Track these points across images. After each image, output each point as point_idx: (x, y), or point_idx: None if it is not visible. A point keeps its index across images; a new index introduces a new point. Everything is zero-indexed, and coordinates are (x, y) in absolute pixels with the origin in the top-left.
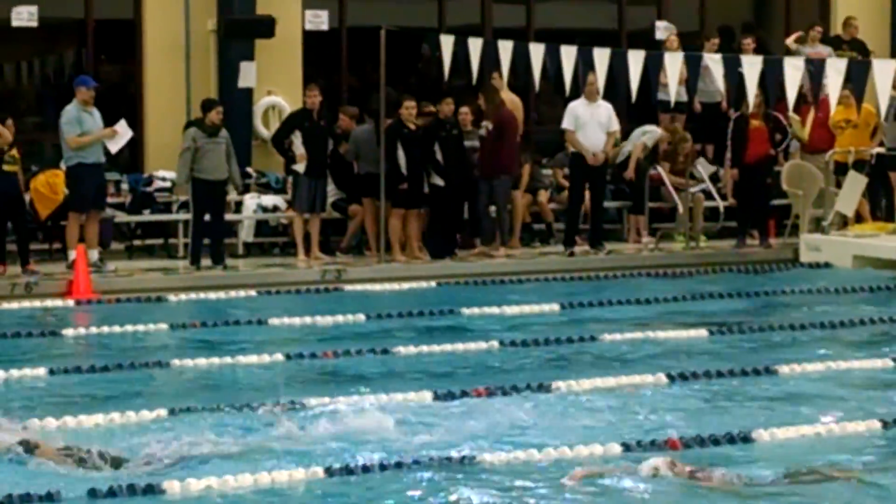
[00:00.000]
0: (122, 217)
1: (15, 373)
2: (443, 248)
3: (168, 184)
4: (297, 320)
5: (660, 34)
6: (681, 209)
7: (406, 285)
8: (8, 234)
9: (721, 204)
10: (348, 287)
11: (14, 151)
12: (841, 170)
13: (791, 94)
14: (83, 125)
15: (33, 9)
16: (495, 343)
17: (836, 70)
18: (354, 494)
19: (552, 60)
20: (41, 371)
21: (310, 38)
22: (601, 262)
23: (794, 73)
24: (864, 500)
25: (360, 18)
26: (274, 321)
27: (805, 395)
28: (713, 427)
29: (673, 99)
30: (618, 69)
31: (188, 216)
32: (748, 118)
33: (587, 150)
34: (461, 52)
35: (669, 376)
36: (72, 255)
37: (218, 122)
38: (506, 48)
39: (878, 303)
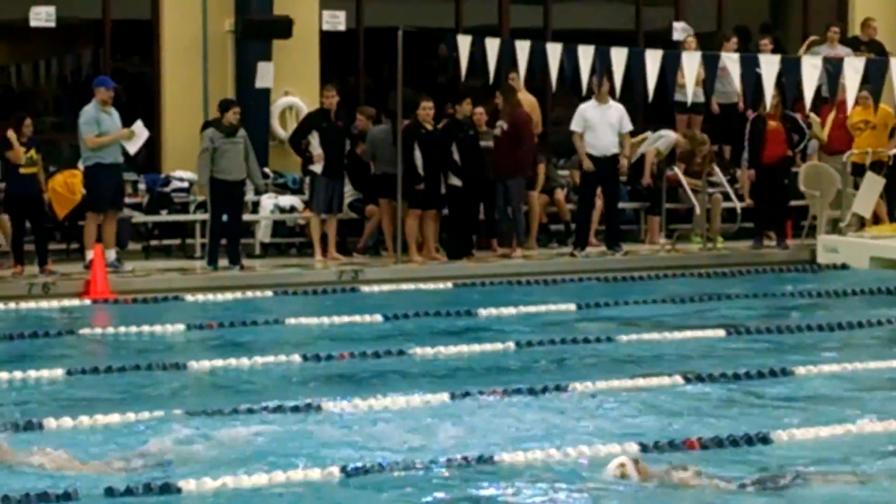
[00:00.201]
0: (139, 217)
1: (32, 373)
2: (459, 248)
3: (185, 184)
4: (313, 321)
5: (677, 35)
6: (698, 210)
7: (423, 286)
8: (26, 234)
9: (738, 205)
10: (365, 288)
11: (32, 153)
12: (858, 171)
13: (808, 95)
14: (101, 126)
15: (51, 9)
16: (511, 344)
17: (854, 69)
18: (370, 494)
19: (569, 61)
20: (59, 371)
21: (327, 38)
22: (617, 263)
23: (811, 72)
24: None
25: (377, 19)
26: (291, 321)
27: (822, 396)
28: (731, 428)
29: (690, 100)
30: (635, 70)
31: (205, 216)
32: (765, 119)
33: (585, 153)
34: (478, 53)
35: (686, 377)
36: (89, 255)
37: (235, 123)
38: (523, 48)
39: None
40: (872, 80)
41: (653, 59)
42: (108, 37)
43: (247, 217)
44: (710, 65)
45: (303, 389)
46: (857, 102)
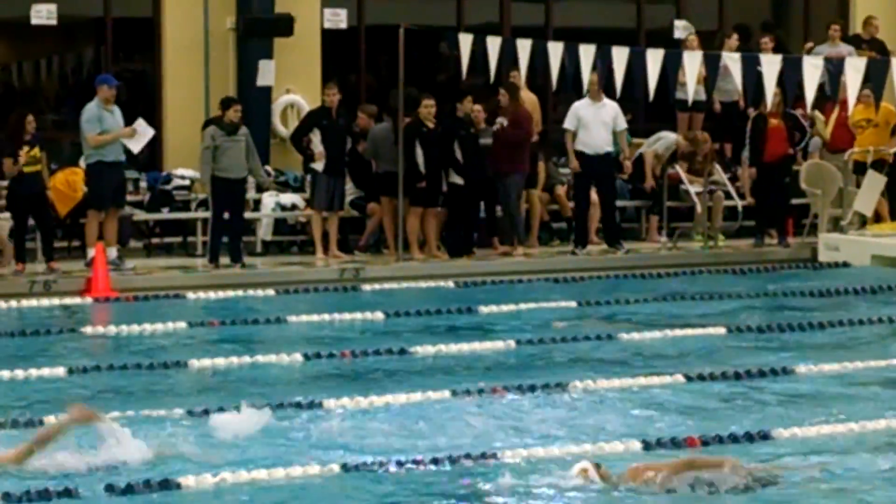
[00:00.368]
0: (140, 215)
1: (34, 371)
2: (460, 246)
3: (187, 182)
4: (315, 319)
5: (678, 33)
6: (699, 208)
7: (424, 284)
8: (28, 231)
9: (739, 203)
10: (366, 286)
11: (35, 151)
12: (860, 169)
13: (809, 95)
14: (103, 124)
15: (52, 7)
16: (512, 342)
17: (855, 69)
18: (370, 491)
19: (570, 59)
20: (60, 370)
21: (328, 36)
22: (619, 262)
23: (812, 72)
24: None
25: (378, 17)
26: (292, 319)
27: (823, 394)
28: (732, 426)
29: (691, 98)
30: (636, 69)
31: (207, 214)
32: (767, 117)
33: (579, 151)
34: (479, 51)
35: (687, 375)
36: (90, 253)
37: (236, 121)
38: (524, 47)
39: None
40: (874, 78)
41: (654, 59)
42: (110, 35)
43: (248, 215)
44: (712, 64)
45: (304, 387)
46: (858, 101)
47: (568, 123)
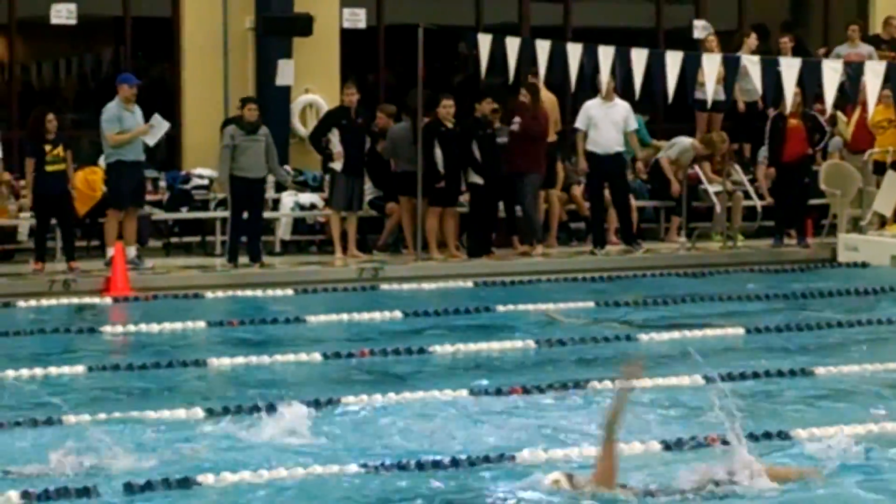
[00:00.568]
0: (159, 214)
1: (54, 370)
2: (479, 246)
3: (206, 181)
4: (333, 318)
5: (697, 33)
6: (718, 209)
7: (443, 284)
8: (49, 231)
9: (759, 203)
10: (385, 285)
11: (59, 150)
12: (880, 169)
13: (829, 98)
14: (123, 123)
15: (72, 6)
16: (531, 342)
17: (874, 72)
18: (389, 491)
19: (589, 60)
20: (79, 368)
21: (347, 35)
22: (637, 262)
23: (832, 76)
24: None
25: (397, 17)
26: (311, 319)
27: (843, 395)
28: (751, 426)
29: (710, 99)
30: (655, 69)
31: (226, 213)
32: (786, 117)
33: (589, 151)
34: (498, 51)
35: (706, 376)
36: (110, 252)
37: (252, 119)
38: (543, 47)
39: None
40: (894, 80)
41: (673, 60)
42: (129, 34)
43: (267, 214)
44: (731, 66)
45: (323, 386)
46: (878, 101)
47: (579, 123)
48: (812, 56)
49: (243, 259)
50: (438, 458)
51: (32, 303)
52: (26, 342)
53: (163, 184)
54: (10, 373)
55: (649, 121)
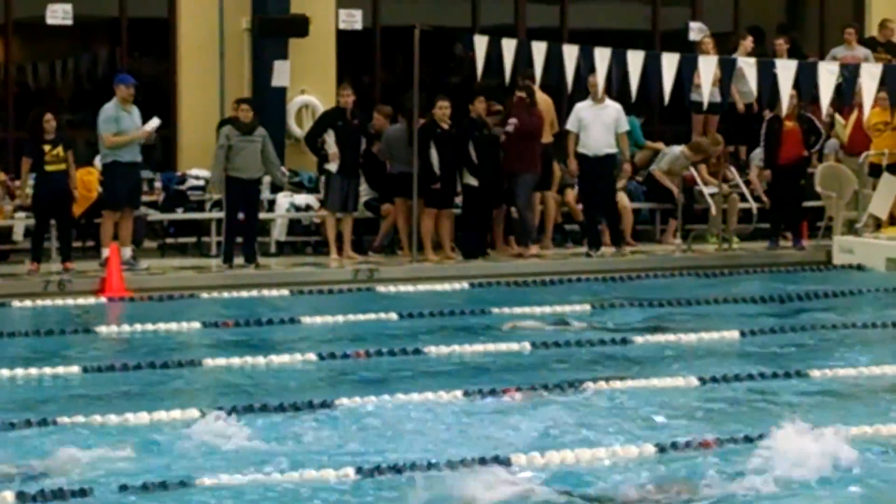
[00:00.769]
0: (155, 215)
1: (48, 370)
2: (475, 248)
3: (201, 182)
4: (329, 319)
5: (693, 35)
6: (713, 211)
7: (438, 285)
8: (47, 231)
9: (754, 206)
10: (380, 287)
11: (59, 150)
12: (875, 172)
13: (825, 100)
14: (120, 124)
15: (68, 7)
16: (527, 343)
17: (870, 75)
18: (385, 494)
19: (585, 61)
20: (74, 369)
21: (343, 37)
22: (633, 264)
23: (828, 78)
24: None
25: (393, 18)
26: (306, 320)
27: (837, 398)
28: (745, 429)
29: (706, 101)
30: (651, 71)
31: (221, 214)
32: (782, 119)
33: (579, 153)
34: (494, 53)
35: (701, 378)
36: (105, 252)
37: (247, 120)
38: (539, 49)
39: None
40: (890, 82)
41: (669, 62)
42: (125, 35)
43: (262, 215)
44: (727, 68)
45: (318, 388)
46: (874, 104)
47: (570, 125)
48: (807, 59)
49: (238, 260)
50: (434, 460)
51: (27, 303)
52: (21, 343)
53: (158, 184)
54: (5, 373)
55: (645, 122)
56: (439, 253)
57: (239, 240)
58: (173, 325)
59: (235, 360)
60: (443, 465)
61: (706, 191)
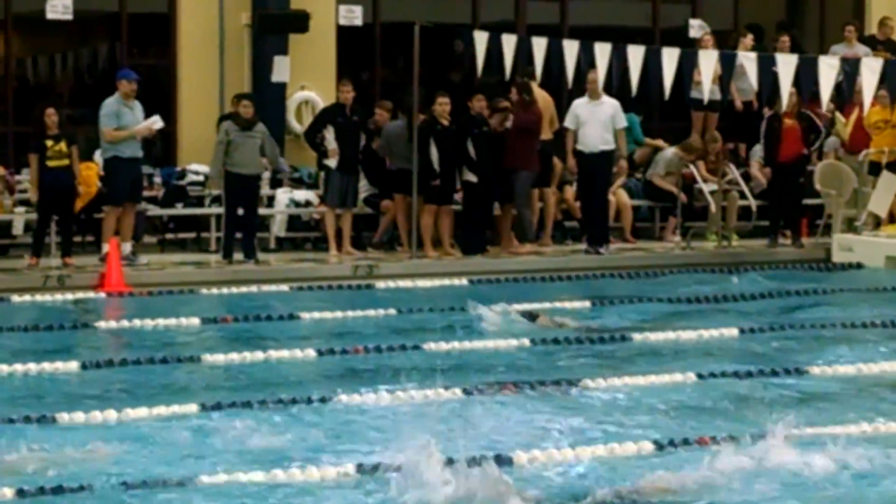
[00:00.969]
0: (154, 210)
1: (47, 366)
2: (474, 244)
3: (201, 177)
4: (328, 315)
5: (694, 32)
6: (713, 208)
7: (438, 281)
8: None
9: (753, 203)
10: (380, 283)
11: (62, 146)
12: (875, 170)
13: (825, 94)
14: (121, 119)
15: (68, 1)
16: (526, 340)
17: (870, 70)
18: (385, 491)
19: (586, 58)
20: (73, 364)
21: (343, 33)
22: (632, 261)
23: (828, 72)
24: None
25: (393, 14)
26: (305, 316)
27: (836, 395)
28: (744, 427)
29: (706, 97)
30: (652, 67)
31: (220, 210)
32: (782, 117)
33: (575, 150)
34: (494, 49)
35: (700, 375)
36: (105, 247)
37: (247, 116)
38: (539, 45)
39: None
40: (890, 80)
41: (670, 58)
42: (125, 30)
43: (262, 211)
44: (727, 63)
45: (317, 384)
46: (874, 102)
47: (567, 122)
48: None
49: (238, 255)
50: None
51: (27, 298)
52: (20, 337)
53: (158, 180)
54: (4, 368)
55: (644, 119)
56: (439, 249)
57: (238, 235)
58: (172, 321)
59: (234, 356)
60: (443, 461)
61: (706, 188)
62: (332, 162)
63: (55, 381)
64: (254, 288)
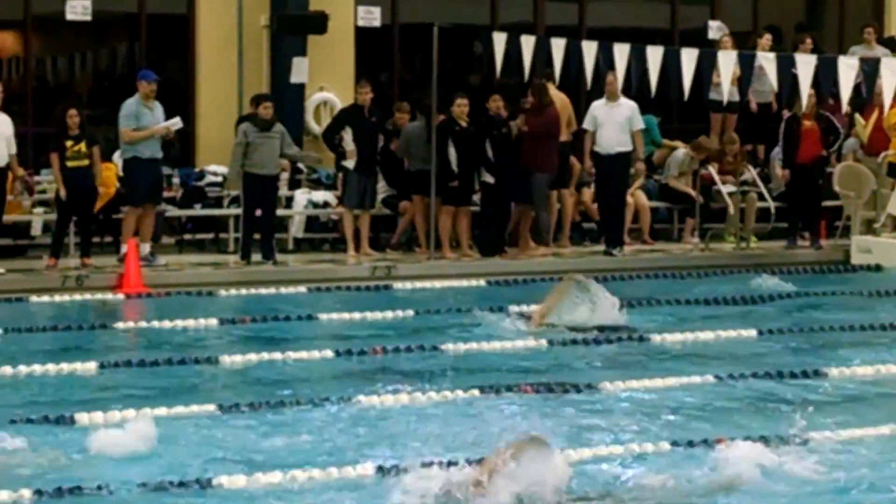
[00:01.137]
0: (173, 211)
1: (65, 366)
2: (492, 245)
3: (219, 178)
4: (346, 316)
5: (712, 34)
6: (731, 209)
7: (455, 283)
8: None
9: (772, 205)
10: (398, 284)
11: (81, 146)
12: (894, 172)
13: (845, 96)
14: (140, 120)
15: (87, 2)
16: (543, 341)
17: (890, 71)
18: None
19: (604, 59)
20: (91, 365)
21: (362, 34)
22: (651, 262)
23: (848, 73)
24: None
25: (412, 15)
26: (323, 317)
27: (855, 397)
28: (762, 428)
29: (726, 99)
30: (670, 68)
31: (239, 211)
32: (800, 119)
33: (592, 151)
34: (513, 50)
35: (718, 377)
36: (124, 248)
37: (268, 117)
38: (558, 46)
39: None
40: None
41: (689, 59)
42: (144, 31)
43: (280, 212)
44: (746, 64)
45: (335, 385)
46: (894, 103)
47: (586, 124)
48: None
49: (256, 256)
50: (452, 457)
51: (45, 298)
52: (38, 338)
53: (176, 180)
54: (23, 369)
55: (662, 121)
56: (457, 250)
57: (257, 236)
58: (191, 322)
59: (253, 357)
60: (460, 462)
61: (724, 190)
62: (350, 163)
63: (74, 381)
64: (272, 289)
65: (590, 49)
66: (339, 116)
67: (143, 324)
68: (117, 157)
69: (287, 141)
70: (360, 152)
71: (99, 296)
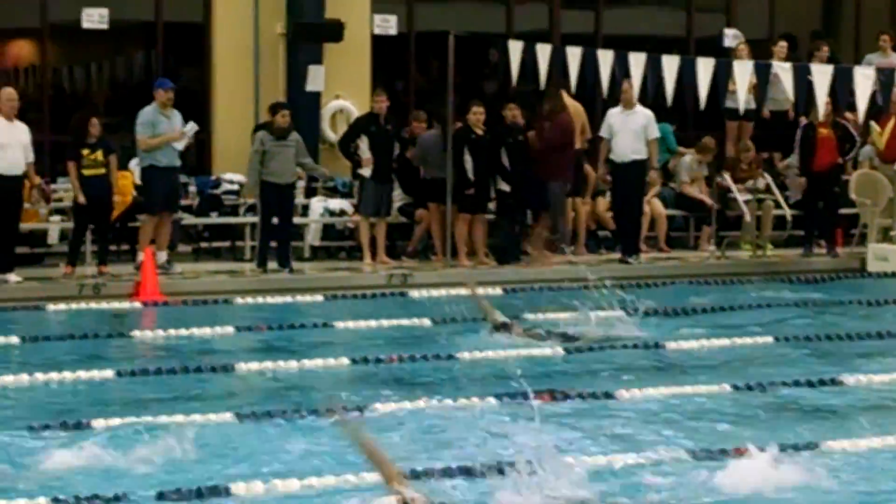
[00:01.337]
0: (189, 219)
1: (83, 374)
2: (509, 253)
3: (235, 186)
4: (362, 324)
5: (728, 42)
6: (747, 217)
7: None
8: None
9: (788, 212)
10: (414, 292)
11: (98, 154)
12: None
13: (861, 105)
14: (157, 128)
15: (104, 11)
16: (560, 349)
17: None
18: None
19: (620, 67)
20: (108, 372)
21: (378, 42)
22: (667, 270)
23: (864, 83)
24: None
25: (428, 23)
26: (339, 325)
27: (871, 406)
28: (778, 437)
29: (742, 107)
30: (686, 77)
31: (255, 219)
32: (816, 127)
33: (607, 160)
34: (529, 58)
35: (734, 385)
36: (141, 256)
37: (285, 126)
38: (574, 54)
39: None
40: None
41: (705, 67)
42: (161, 39)
43: (296, 220)
44: (762, 73)
45: (351, 392)
46: None
47: (602, 132)
48: None
49: (272, 264)
50: (468, 464)
51: (62, 306)
52: (55, 346)
53: (192, 189)
54: (40, 376)
55: (678, 129)
56: (473, 258)
57: (273, 244)
58: (207, 330)
59: (269, 365)
60: (476, 469)
61: (740, 198)
62: (366, 171)
63: (91, 388)
64: (288, 297)
65: (605, 57)
66: (355, 125)
67: (160, 332)
68: (133, 165)
69: (302, 150)
70: (376, 160)
71: (116, 304)
